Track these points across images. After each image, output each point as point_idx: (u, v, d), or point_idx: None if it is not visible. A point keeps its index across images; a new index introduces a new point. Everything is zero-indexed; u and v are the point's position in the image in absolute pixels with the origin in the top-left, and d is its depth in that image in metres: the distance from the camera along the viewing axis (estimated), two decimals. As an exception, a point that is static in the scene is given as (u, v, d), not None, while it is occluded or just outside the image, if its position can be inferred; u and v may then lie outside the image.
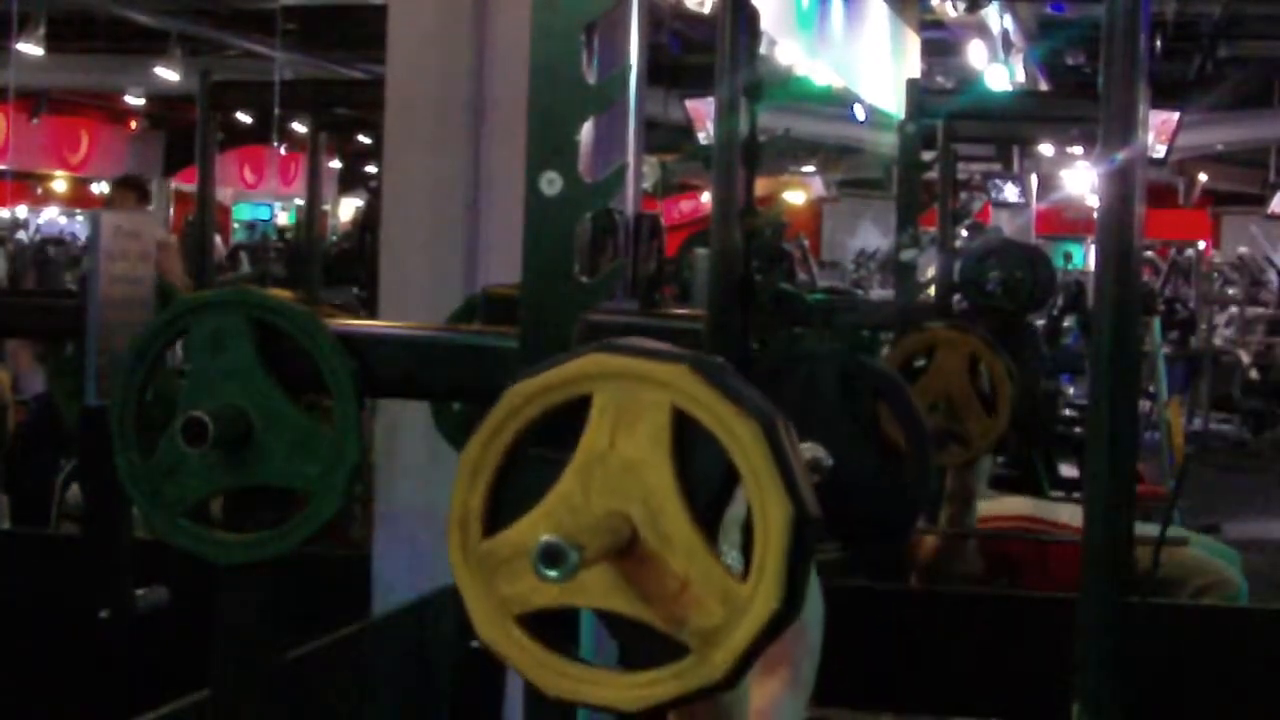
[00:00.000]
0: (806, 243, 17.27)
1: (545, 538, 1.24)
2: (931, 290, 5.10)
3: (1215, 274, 16.26)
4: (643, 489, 1.29)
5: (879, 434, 2.21)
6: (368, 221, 11.39)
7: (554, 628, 1.34)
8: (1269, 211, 19.02)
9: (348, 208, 21.15)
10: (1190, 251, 16.09)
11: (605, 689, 1.31)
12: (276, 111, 12.19)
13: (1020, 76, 12.38)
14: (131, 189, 8.48)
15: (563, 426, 1.34)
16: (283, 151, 18.62)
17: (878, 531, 2.19)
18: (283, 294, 1.84)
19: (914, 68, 9.29)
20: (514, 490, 1.35)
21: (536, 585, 1.28)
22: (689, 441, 1.30)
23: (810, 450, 1.89)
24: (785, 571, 1.26)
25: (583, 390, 1.32)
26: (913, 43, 9.56)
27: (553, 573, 1.23)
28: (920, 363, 3.98)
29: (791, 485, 1.26)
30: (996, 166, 15.36)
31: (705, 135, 10.71)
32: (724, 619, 1.27)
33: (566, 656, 1.33)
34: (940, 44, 11.47)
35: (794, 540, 1.25)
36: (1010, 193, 14.92)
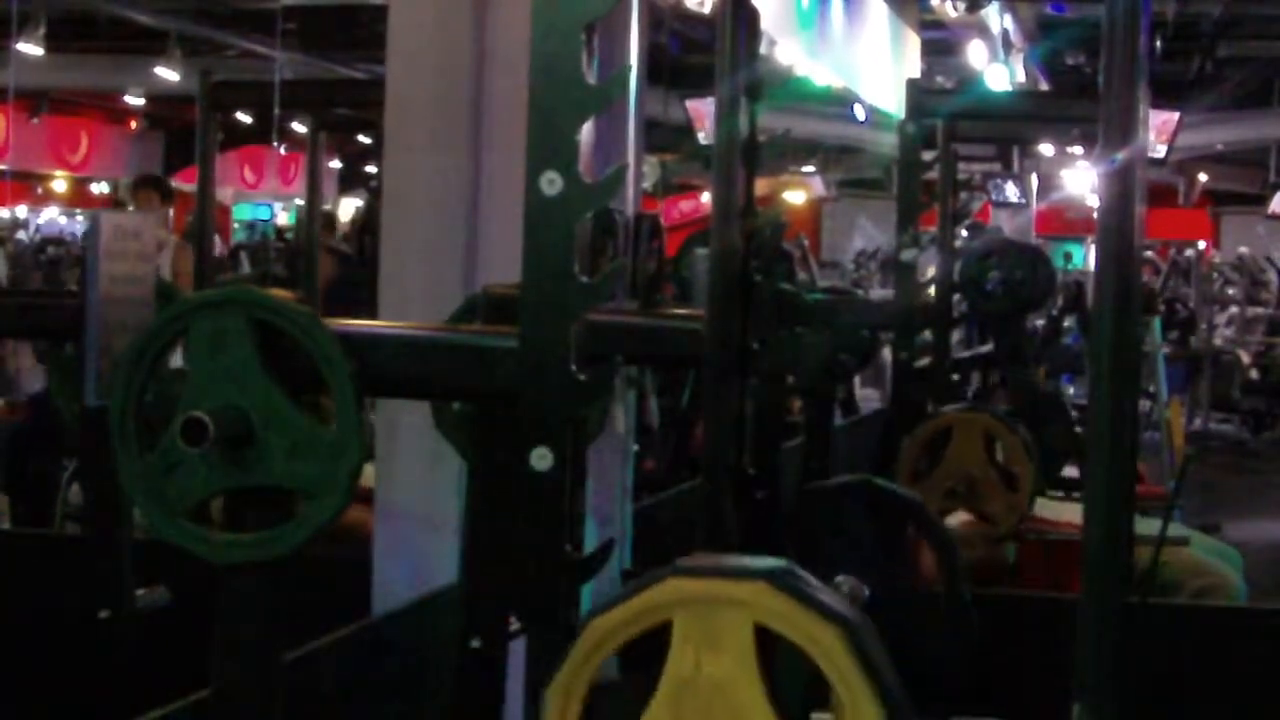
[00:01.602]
0: (806, 243, 17.26)
1: None
2: (931, 290, 5.11)
3: (1215, 274, 16.25)
4: (733, 709, 1.31)
5: (912, 563, 2.24)
6: (367, 222, 11.38)
7: None
8: (1269, 211, 19.01)
9: (348, 208, 21.14)
10: (1190, 251, 16.09)
11: None
12: (276, 111, 12.18)
13: (1020, 76, 12.37)
14: (154, 188, 8.45)
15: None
16: (283, 151, 18.62)
17: (915, 662, 2.22)
18: (283, 294, 1.84)
19: (914, 68, 9.28)
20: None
21: None
22: (773, 653, 1.32)
23: (845, 583, 1.92)
24: None
25: (663, 618, 1.34)
26: (913, 43, 9.55)
27: None
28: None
29: (881, 687, 1.29)
30: (996, 166, 15.36)
31: (705, 135, 10.71)
32: None
33: None
34: (940, 44, 11.46)
35: None
36: (1010, 193, 14.92)
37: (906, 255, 4.96)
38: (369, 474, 3.30)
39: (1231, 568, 4.49)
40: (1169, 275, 15.40)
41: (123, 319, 2.87)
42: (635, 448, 4.05)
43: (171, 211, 8.97)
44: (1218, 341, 14.19)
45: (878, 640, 1.31)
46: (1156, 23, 11.98)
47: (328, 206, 17.19)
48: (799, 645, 1.30)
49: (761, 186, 2.48)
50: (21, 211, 19.41)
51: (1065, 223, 19.90)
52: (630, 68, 1.63)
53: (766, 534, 3.45)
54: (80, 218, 19.39)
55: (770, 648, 1.32)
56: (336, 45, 13.85)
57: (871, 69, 8.32)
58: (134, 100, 18.24)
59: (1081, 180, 15.79)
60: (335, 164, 20.65)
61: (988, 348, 5.98)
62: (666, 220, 7.26)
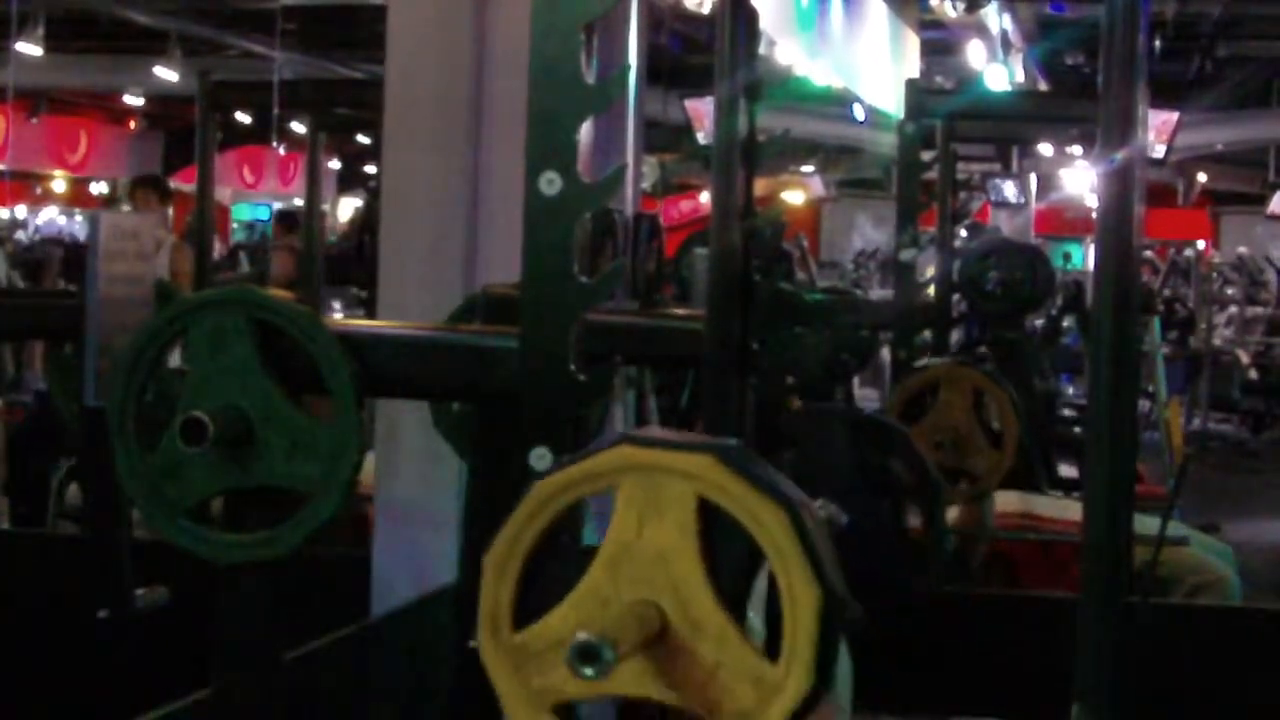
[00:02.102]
0: (806, 243, 17.26)
1: (580, 636, 1.25)
2: (931, 290, 5.11)
3: (1214, 274, 16.26)
4: (671, 578, 1.31)
5: (893, 491, 2.23)
6: (367, 221, 11.39)
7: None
8: (1269, 211, 19.01)
9: (347, 208, 21.14)
10: (1190, 251, 16.09)
11: None
12: (276, 111, 12.19)
13: (1020, 76, 12.38)
14: (152, 188, 8.44)
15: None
16: (282, 151, 18.62)
17: (890, 589, 2.21)
18: (282, 294, 1.84)
19: (913, 68, 9.28)
20: (543, 581, 1.37)
21: (569, 676, 1.29)
22: (716, 529, 1.32)
23: (823, 508, 1.91)
24: (816, 653, 1.28)
25: (609, 484, 1.34)
26: (912, 43, 9.55)
27: (589, 670, 1.25)
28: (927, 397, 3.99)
29: (820, 569, 1.28)
30: (996, 166, 15.37)
31: (704, 135, 10.70)
32: (756, 703, 1.29)
33: None
34: (940, 44, 11.46)
35: (824, 623, 1.28)
36: (1009, 193, 14.92)
37: (906, 255, 4.96)
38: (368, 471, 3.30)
39: (1227, 565, 4.49)
40: (1168, 275, 15.40)
41: (122, 319, 2.87)
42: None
43: (170, 211, 8.96)
44: (1217, 341, 14.19)
45: (823, 526, 1.31)
46: (1156, 23, 11.99)
47: (326, 206, 17.18)
48: (741, 522, 1.29)
49: (761, 186, 2.48)
50: (21, 211, 19.42)
51: (1064, 223, 19.89)
52: (630, 68, 1.64)
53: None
54: (79, 218, 19.40)
55: (713, 524, 1.31)
56: (336, 45, 13.85)
57: (871, 69, 8.32)
58: (133, 100, 18.25)
59: (1081, 180, 15.79)
60: (335, 164, 20.64)
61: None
62: (666, 220, 7.25)
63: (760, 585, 1.34)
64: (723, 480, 1.30)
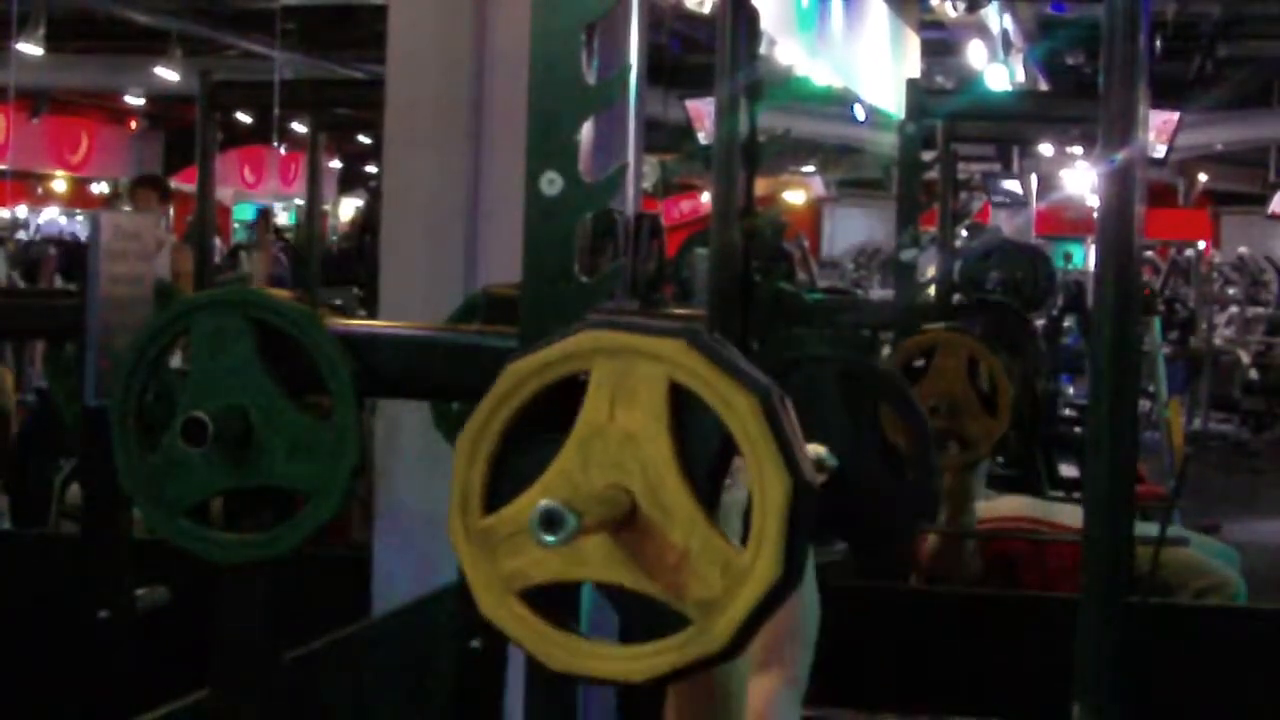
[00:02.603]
0: (806, 243, 17.26)
1: (544, 503, 1.24)
2: (931, 290, 5.11)
3: (1215, 274, 16.25)
4: (641, 462, 1.30)
5: (881, 434, 2.21)
6: (367, 221, 11.39)
7: (556, 603, 1.34)
8: (1269, 211, 19.01)
9: (347, 208, 21.15)
10: (1190, 251, 16.09)
11: (608, 662, 1.32)
12: (276, 111, 12.18)
13: (1020, 76, 12.38)
14: (153, 188, 8.44)
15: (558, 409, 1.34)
16: (283, 151, 18.62)
17: (882, 531, 2.20)
18: (282, 294, 1.84)
19: (914, 68, 9.28)
20: (514, 468, 1.35)
21: (537, 560, 1.29)
22: (687, 415, 1.31)
23: (814, 450, 1.89)
24: (785, 541, 1.27)
25: (580, 366, 1.33)
26: (912, 43, 9.55)
27: (550, 538, 1.24)
28: (919, 364, 3.98)
29: (789, 457, 1.27)
30: (996, 166, 15.36)
31: (705, 135, 10.70)
32: (724, 589, 1.28)
33: (569, 631, 1.33)
34: (940, 44, 11.46)
35: (793, 510, 1.26)
36: (1010, 192, 14.92)
37: (906, 255, 4.96)
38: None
39: (1231, 567, 4.49)
40: (1169, 275, 15.40)
41: (123, 319, 2.87)
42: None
43: (171, 211, 8.96)
44: (1218, 341, 14.18)
45: (792, 414, 1.30)
46: (1156, 23, 11.98)
47: (327, 206, 17.21)
48: (712, 407, 1.28)
49: (761, 186, 2.48)
50: (21, 211, 19.42)
51: (1065, 223, 19.90)
52: (630, 68, 1.63)
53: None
54: (80, 218, 19.41)
55: (686, 408, 1.30)
56: (336, 45, 13.85)
57: (871, 69, 8.32)
58: (134, 100, 18.25)
59: (1081, 180, 15.79)
60: (335, 164, 20.64)
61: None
62: (667, 220, 7.26)
63: (741, 496, 1.33)
64: (694, 364, 1.28)
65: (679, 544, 1.29)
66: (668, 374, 1.30)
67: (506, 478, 1.35)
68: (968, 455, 3.94)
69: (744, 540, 1.31)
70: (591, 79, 1.61)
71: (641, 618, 1.31)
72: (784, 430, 1.27)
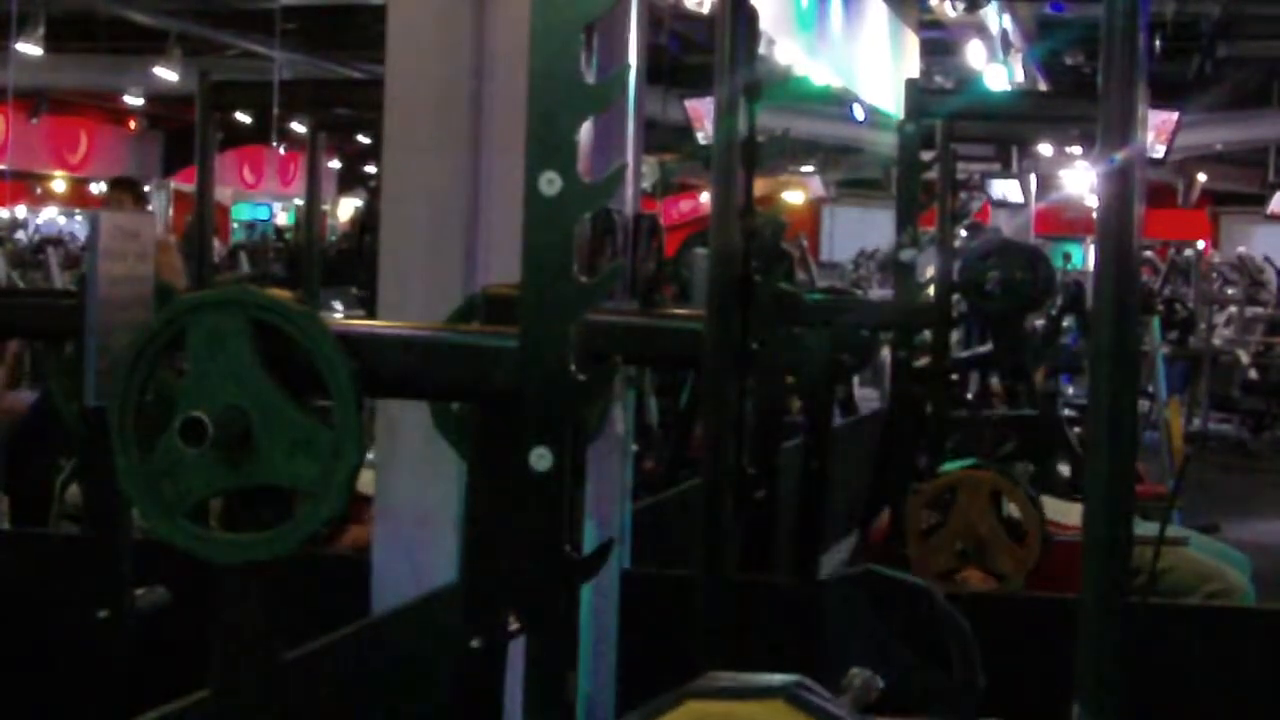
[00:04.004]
0: (806, 243, 17.27)
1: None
2: (931, 290, 5.11)
3: (1214, 274, 16.26)
4: None
5: (920, 643, 2.23)
6: (367, 221, 11.39)
7: None
8: (1268, 211, 19.02)
9: (347, 208, 21.15)
10: (1189, 251, 16.09)
11: None
12: (276, 111, 12.18)
13: (1019, 76, 12.39)
14: (127, 190, 8.45)
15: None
16: (282, 151, 18.62)
17: None
18: (282, 294, 1.84)
19: (913, 68, 9.29)
20: None
21: None
22: None
23: (857, 677, 1.92)
24: None
25: None
26: (912, 43, 9.56)
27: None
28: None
29: None
30: (996, 166, 15.37)
31: (704, 135, 10.70)
32: None
33: None
34: (939, 44, 11.47)
35: None
36: (1009, 192, 14.92)
37: (906, 255, 4.96)
38: (367, 480, 3.30)
39: (1239, 571, 4.49)
40: (1168, 275, 15.41)
41: (123, 319, 2.87)
42: (635, 448, 4.05)
43: (152, 208, 8.95)
44: (1217, 341, 14.18)
45: None
46: (1156, 23, 12.00)
47: (326, 206, 17.17)
48: None
49: (761, 187, 2.48)
50: (21, 211, 19.42)
51: (1064, 223, 19.91)
52: (630, 68, 1.63)
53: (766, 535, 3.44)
54: (79, 218, 19.41)
55: None
56: (336, 45, 13.85)
57: (870, 69, 8.33)
58: (133, 100, 18.25)
59: (1080, 180, 15.80)
60: (335, 164, 20.64)
61: (987, 348, 5.99)
62: (666, 220, 7.26)
63: None
64: None
65: None
66: None
67: None
68: (1001, 588, 3.98)
69: None
70: (591, 79, 1.61)
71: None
72: None
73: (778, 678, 1.31)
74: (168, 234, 8.16)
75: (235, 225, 21.33)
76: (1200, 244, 18.44)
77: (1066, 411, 7.18)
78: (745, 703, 1.30)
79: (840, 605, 2.21)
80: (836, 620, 2.22)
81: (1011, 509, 4.00)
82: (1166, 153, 11.08)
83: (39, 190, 21.11)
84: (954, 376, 5.73)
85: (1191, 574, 4.20)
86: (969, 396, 6.49)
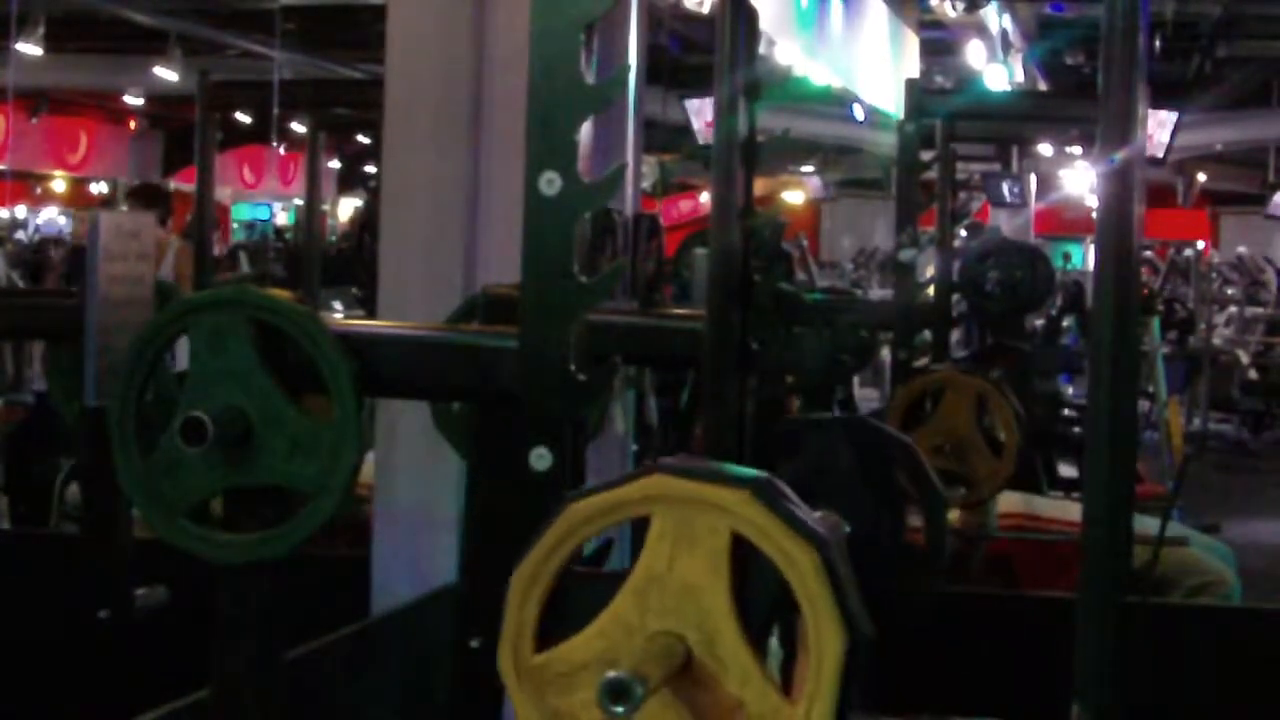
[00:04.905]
0: (806, 243, 17.27)
1: (610, 674, 1.24)
2: (931, 290, 5.11)
3: (1214, 274, 16.26)
4: (699, 612, 1.31)
5: (894, 497, 2.23)
6: (367, 221, 11.39)
7: None
8: (1268, 211, 19.02)
9: (347, 208, 21.16)
10: (1189, 251, 16.10)
11: None
12: (276, 111, 12.20)
13: (1019, 76, 12.39)
14: (149, 200, 8.45)
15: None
16: (282, 151, 18.63)
17: (891, 594, 2.20)
18: (282, 294, 1.84)
19: (913, 68, 9.29)
20: (568, 607, 1.36)
21: (590, 702, 1.29)
22: (743, 563, 1.32)
23: (828, 517, 1.91)
24: (837, 695, 1.28)
25: (643, 512, 1.33)
26: (912, 43, 9.56)
27: (619, 709, 1.24)
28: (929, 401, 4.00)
29: (847, 612, 1.28)
30: (996, 166, 15.37)
31: (704, 135, 10.70)
32: None
33: None
34: (939, 44, 11.47)
35: (847, 666, 1.28)
36: (1009, 192, 14.93)
37: (905, 255, 4.96)
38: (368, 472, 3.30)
39: (1225, 565, 4.49)
40: (1168, 275, 15.42)
41: (123, 319, 2.87)
42: (635, 448, 4.05)
43: (170, 216, 8.97)
44: (1217, 341, 14.19)
45: (849, 566, 1.31)
46: (1156, 23, 12.00)
47: (326, 206, 17.19)
48: (771, 559, 1.29)
49: (760, 187, 2.48)
50: (21, 211, 19.43)
51: (1064, 222, 19.91)
52: (629, 68, 1.63)
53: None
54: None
55: (743, 557, 1.31)
56: (336, 45, 13.85)
57: (870, 69, 8.33)
58: (134, 100, 18.25)
59: (1080, 180, 15.80)
60: (335, 164, 20.65)
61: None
62: (666, 220, 7.26)
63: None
64: (757, 517, 1.30)
65: (733, 694, 1.30)
66: (730, 525, 1.31)
67: (560, 615, 1.36)
68: (972, 496, 3.95)
69: (782, 643, 1.34)
70: (591, 79, 1.61)
71: None
72: (842, 585, 1.29)
73: (750, 470, 1.32)
74: (181, 239, 8.15)
75: (235, 225, 21.33)
76: (1200, 244, 18.45)
77: (1066, 412, 7.19)
78: (712, 486, 1.30)
79: (821, 445, 2.20)
80: (815, 459, 2.21)
81: (997, 424, 3.95)
82: (1166, 153, 11.09)
83: (39, 190, 21.11)
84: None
85: (1176, 567, 4.19)
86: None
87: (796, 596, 1.29)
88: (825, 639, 1.28)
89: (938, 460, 3.82)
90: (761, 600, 1.33)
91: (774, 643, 1.39)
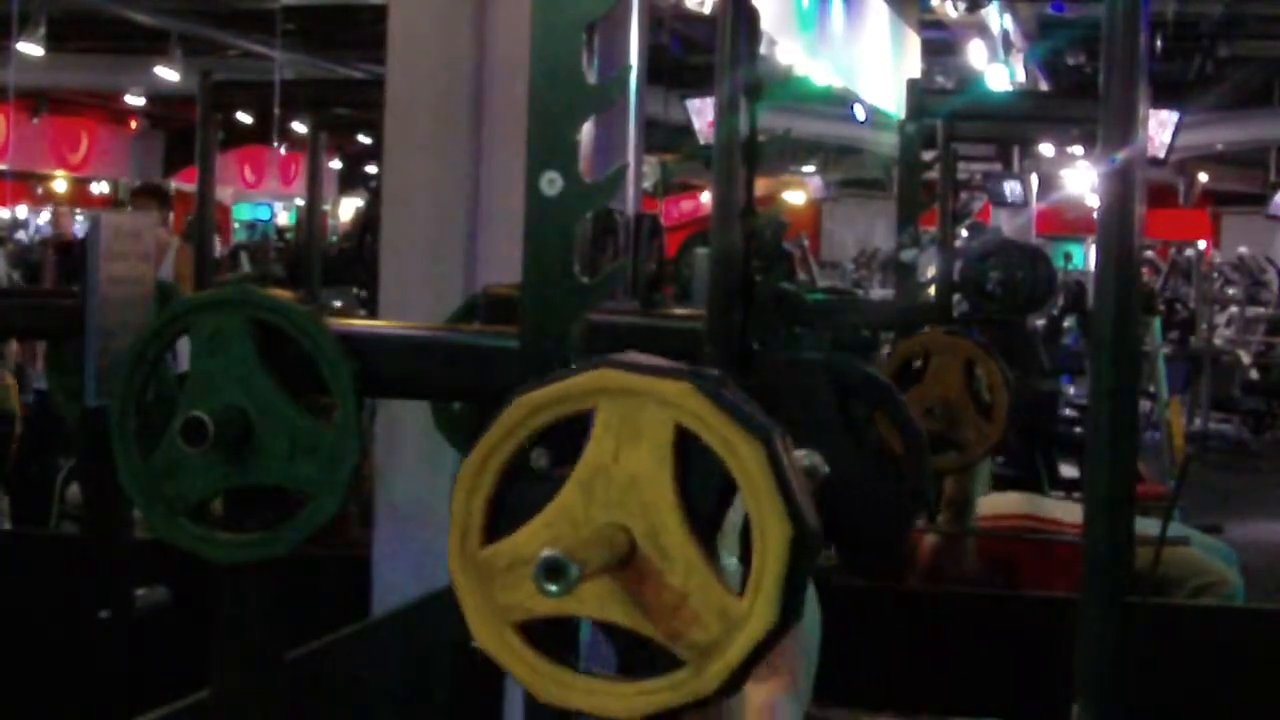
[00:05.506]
0: (806, 243, 17.27)
1: (546, 552, 1.25)
2: (932, 290, 5.11)
3: (1215, 274, 16.26)
4: (644, 504, 1.31)
5: (875, 441, 2.21)
6: (367, 222, 11.39)
7: (551, 636, 1.34)
8: (1269, 212, 19.02)
9: (348, 208, 21.16)
10: (1190, 251, 16.09)
11: (599, 697, 1.33)
12: (276, 111, 12.20)
13: (1020, 76, 12.40)
14: (153, 197, 8.46)
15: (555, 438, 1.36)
16: (283, 151, 18.63)
17: (873, 538, 2.20)
18: (283, 294, 1.84)
19: (914, 68, 9.29)
20: (515, 500, 1.36)
21: (534, 593, 1.29)
22: (689, 457, 1.32)
23: (806, 458, 1.89)
24: (782, 589, 1.28)
25: (588, 405, 1.33)
26: (913, 43, 9.56)
27: (553, 587, 1.24)
28: (918, 364, 3.98)
29: (791, 504, 1.27)
30: (997, 166, 15.38)
31: (705, 135, 10.71)
32: (720, 634, 1.29)
33: (563, 665, 1.34)
34: (940, 44, 11.47)
35: (792, 558, 1.27)
36: (1010, 192, 14.93)
37: (906, 255, 4.96)
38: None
39: (1228, 565, 4.49)
40: (1169, 275, 15.41)
41: (123, 319, 2.88)
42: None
43: (171, 214, 8.98)
44: (1218, 341, 14.18)
45: (795, 460, 1.30)
46: (1156, 23, 11.99)
47: (327, 206, 17.20)
48: (716, 452, 1.29)
49: (761, 186, 2.48)
50: (22, 211, 19.43)
51: (1065, 222, 19.90)
52: (630, 68, 1.63)
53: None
54: (80, 217, 19.42)
55: (689, 451, 1.31)
56: (336, 45, 13.86)
57: (871, 69, 8.33)
58: (134, 100, 18.26)
59: (1081, 180, 15.80)
60: (335, 164, 20.65)
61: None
62: (666, 220, 7.26)
63: (735, 518, 1.34)
64: (701, 409, 1.29)
65: (677, 587, 1.30)
66: (674, 417, 1.31)
67: (507, 510, 1.36)
68: (962, 459, 3.94)
69: (741, 560, 1.32)
70: (592, 79, 1.61)
71: (637, 655, 1.33)
72: (786, 477, 1.28)
73: (700, 367, 1.32)
74: (182, 239, 8.16)
75: (236, 225, 21.33)
76: (1201, 244, 18.44)
77: (1066, 411, 7.19)
78: (656, 379, 1.31)
79: (802, 385, 2.20)
80: (795, 399, 2.20)
81: (983, 386, 3.93)
82: (1167, 153, 11.10)
83: (40, 190, 21.11)
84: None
85: (1179, 567, 4.19)
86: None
87: (741, 488, 1.28)
88: (769, 531, 1.27)
89: (927, 423, 3.80)
90: (709, 494, 1.32)
91: (734, 561, 1.38)
